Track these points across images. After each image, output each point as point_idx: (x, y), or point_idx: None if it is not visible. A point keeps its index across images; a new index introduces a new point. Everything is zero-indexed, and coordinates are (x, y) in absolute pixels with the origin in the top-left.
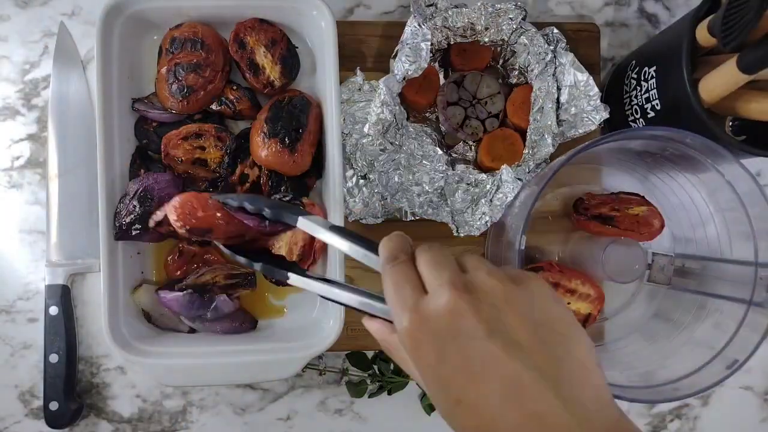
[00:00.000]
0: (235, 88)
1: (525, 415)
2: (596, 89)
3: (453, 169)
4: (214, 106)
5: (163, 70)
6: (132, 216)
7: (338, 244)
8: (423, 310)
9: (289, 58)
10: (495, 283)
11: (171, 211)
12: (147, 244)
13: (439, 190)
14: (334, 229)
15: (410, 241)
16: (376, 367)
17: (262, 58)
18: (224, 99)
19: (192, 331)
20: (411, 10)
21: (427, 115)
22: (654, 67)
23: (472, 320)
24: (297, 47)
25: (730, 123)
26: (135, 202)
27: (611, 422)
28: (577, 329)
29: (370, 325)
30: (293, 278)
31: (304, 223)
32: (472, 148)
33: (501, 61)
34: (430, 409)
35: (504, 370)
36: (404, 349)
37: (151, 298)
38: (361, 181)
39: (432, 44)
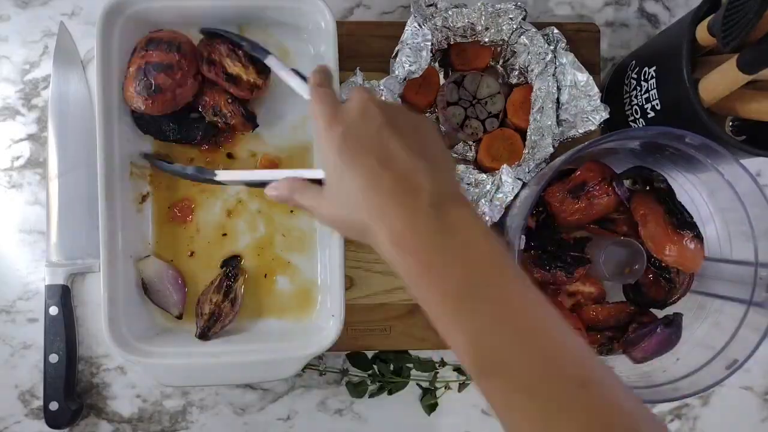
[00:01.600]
0: (230, 101)
1: (397, 176)
2: (596, 89)
3: None
4: (208, 116)
5: (133, 68)
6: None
7: (292, 82)
8: (340, 109)
9: (254, 54)
10: (394, 102)
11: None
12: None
13: None
14: (294, 71)
15: (332, 74)
16: (376, 367)
17: (233, 67)
18: (218, 110)
19: (180, 317)
20: (411, 10)
21: (427, 115)
22: (654, 67)
23: (375, 111)
24: (256, 41)
25: (730, 123)
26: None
27: (456, 194)
28: (440, 140)
29: (277, 185)
30: (270, 60)
31: (272, 61)
32: (472, 148)
33: (501, 61)
34: (430, 409)
35: (389, 145)
36: (322, 143)
37: (154, 271)
38: None
39: (432, 44)
